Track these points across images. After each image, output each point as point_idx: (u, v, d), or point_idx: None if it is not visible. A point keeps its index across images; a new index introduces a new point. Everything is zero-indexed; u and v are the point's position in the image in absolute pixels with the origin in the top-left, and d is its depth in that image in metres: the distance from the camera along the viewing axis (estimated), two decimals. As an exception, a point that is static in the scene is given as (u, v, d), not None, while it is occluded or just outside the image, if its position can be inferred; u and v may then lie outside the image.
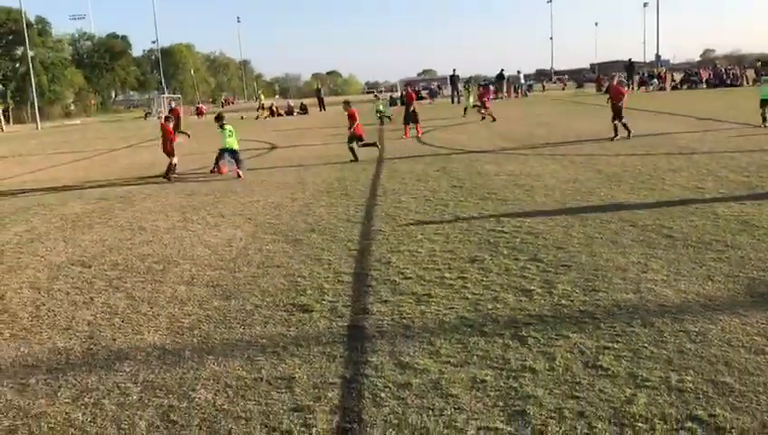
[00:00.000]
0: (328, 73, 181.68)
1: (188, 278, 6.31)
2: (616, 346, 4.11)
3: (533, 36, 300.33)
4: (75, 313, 5.53)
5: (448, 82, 51.35)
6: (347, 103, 16.31)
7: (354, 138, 15.08)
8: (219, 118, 14.40)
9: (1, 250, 8.13)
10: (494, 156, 14.30)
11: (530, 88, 59.24)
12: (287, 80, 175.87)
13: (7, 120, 64.12)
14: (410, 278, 5.84)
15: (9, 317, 5.53)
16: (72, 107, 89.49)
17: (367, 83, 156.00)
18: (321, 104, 46.95)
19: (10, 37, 76.76)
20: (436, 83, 74.26)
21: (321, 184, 11.87)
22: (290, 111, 43.39)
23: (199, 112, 51.05)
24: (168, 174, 13.83)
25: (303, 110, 43.80)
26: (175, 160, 14.13)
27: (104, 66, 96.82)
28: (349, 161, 14.61)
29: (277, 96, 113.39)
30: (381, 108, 28.95)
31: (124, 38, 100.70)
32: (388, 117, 27.84)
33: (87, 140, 26.38)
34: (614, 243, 6.51)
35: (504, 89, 49.21)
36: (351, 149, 14.94)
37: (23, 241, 8.61)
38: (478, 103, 26.45)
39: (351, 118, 15.18)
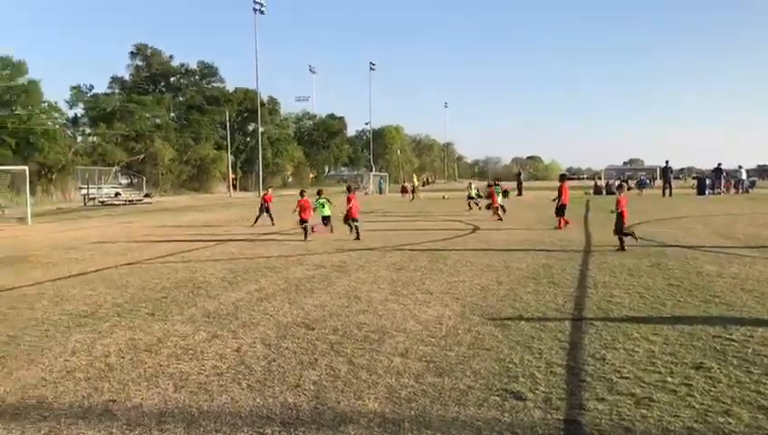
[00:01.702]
0: (528, 158, 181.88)
1: (403, 350, 6.58)
2: None
3: (754, 128, 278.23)
4: (302, 371, 5.99)
5: (658, 172, 49.16)
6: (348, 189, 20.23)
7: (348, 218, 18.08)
8: (319, 193, 20.01)
9: (236, 306, 9.05)
10: (713, 255, 13.37)
11: (752, 184, 54.76)
12: (487, 162, 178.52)
13: (235, 188, 71.56)
14: (628, 378, 5.63)
15: (245, 369, 6.13)
16: (290, 179, 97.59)
17: (569, 169, 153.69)
18: (520, 189, 47.07)
19: (245, 115, 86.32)
20: (643, 173, 71.40)
21: (527, 269, 11.84)
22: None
23: (404, 191, 53.24)
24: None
25: (504, 193, 44.03)
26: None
27: (321, 143, 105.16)
28: (556, 250, 14.46)
29: (475, 178, 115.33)
30: (474, 193, 30.58)
31: (341, 119, 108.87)
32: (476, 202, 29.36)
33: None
34: None
35: (722, 184, 46.08)
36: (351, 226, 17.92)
37: (253, 299, 9.51)
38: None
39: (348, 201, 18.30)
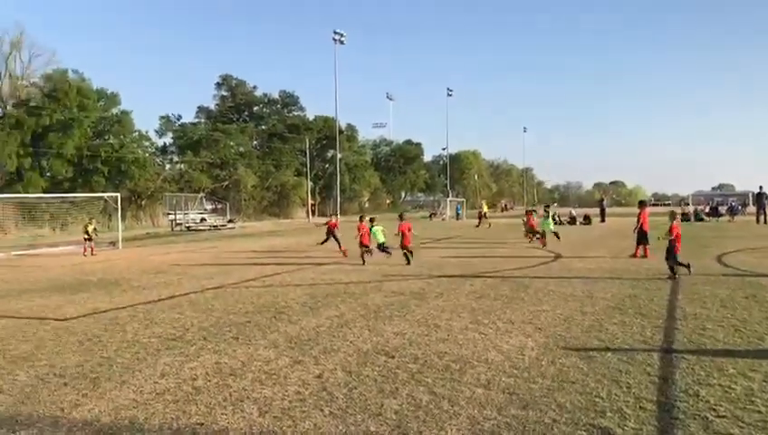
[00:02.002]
0: (611, 183, 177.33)
1: (485, 381, 6.48)
2: None
3: None
4: (383, 400, 5.98)
5: (751, 198, 46.91)
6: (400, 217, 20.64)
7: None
8: (372, 220, 20.31)
9: (317, 332, 9.16)
10: (815, 287, 12.60)
11: None
12: (568, 188, 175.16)
13: (313, 213, 72.84)
14: (724, 417, 5.35)
15: (327, 395, 6.17)
16: (367, 204, 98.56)
17: (654, 195, 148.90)
18: (603, 215, 45.89)
19: (324, 142, 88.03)
20: (734, 199, 68.34)
21: (612, 299, 11.48)
22: (572, 221, 42.97)
23: (480, 217, 52.54)
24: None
25: (587, 220, 43.10)
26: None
27: (398, 169, 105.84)
28: (640, 279, 13.99)
29: (556, 204, 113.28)
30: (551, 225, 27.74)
31: (418, 145, 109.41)
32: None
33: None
34: None
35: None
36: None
37: (333, 325, 9.60)
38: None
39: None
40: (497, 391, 6.15)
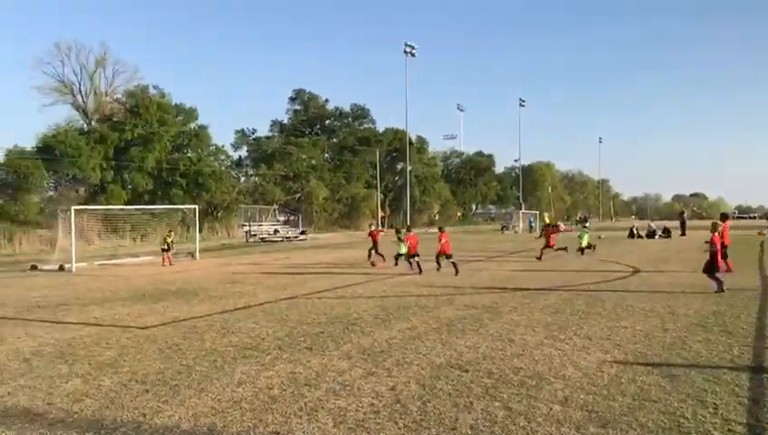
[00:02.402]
0: (692, 195, 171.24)
1: (562, 398, 6.32)
2: None
3: None
4: (458, 414, 5.91)
5: None
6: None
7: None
8: (398, 231, 22.68)
9: (389, 344, 9.15)
10: None
11: None
12: (646, 200, 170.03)
13: (383, 225, 73.14)
14: (823, 442, 5.04)
15: (401, 408, 6.15)
16: (437, 216, 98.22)
17: (738, 207, 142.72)
18: (683, 229, 44.27)
19: (394, 154, 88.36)
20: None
21: (694, 316, 11.03)
22: (651, 234, 41.62)
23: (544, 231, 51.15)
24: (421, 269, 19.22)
25: (666, 233, 41.67)
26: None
27: (469, 181, 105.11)
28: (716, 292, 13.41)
29: (634, 217, 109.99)
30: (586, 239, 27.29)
31: (489, 156, 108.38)
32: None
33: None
34: None
35: None
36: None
37: (406, 338, 9.58)
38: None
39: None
40: (575, 409, 5.98)
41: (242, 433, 5.53)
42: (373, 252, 23.47)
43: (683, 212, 51.76)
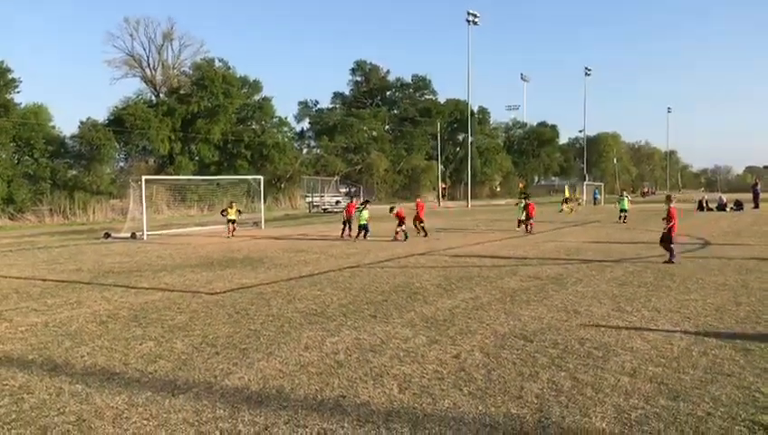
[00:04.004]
0: (765, 167, 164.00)
1: (630, 370, 6.22)
2: None
3: None
4: (523, 383, 5.89)
5: None
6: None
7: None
8: (364, 203, 24.14)
9: (452, 313, 9.16)
10: None
11: None
12: (716, 172, 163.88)
13: (444, 197, 72.83)
14: None
15: (466, 376, 6.16)
16: (498, 188, 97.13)
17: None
18: (756, 201, 42.55)
19: (455, 125, 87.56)
20: None
21: (770, 290, 10.64)
22: (721, 207, 40.19)
23: (567, 201, 48.50)
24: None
25: (738, 206, 40.17)
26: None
27: (531, 152, 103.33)
28: None
29: (703, 189, 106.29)
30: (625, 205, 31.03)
31: (553, 127, 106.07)
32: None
33: (513, 221, 28.26)
34: None
35: None
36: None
37: (469, 307, 9.57)
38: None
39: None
40: (644, 381, 5.88)
41: (309, 396, 5.66)
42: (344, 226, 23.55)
43: (756, 184, 49.63)
